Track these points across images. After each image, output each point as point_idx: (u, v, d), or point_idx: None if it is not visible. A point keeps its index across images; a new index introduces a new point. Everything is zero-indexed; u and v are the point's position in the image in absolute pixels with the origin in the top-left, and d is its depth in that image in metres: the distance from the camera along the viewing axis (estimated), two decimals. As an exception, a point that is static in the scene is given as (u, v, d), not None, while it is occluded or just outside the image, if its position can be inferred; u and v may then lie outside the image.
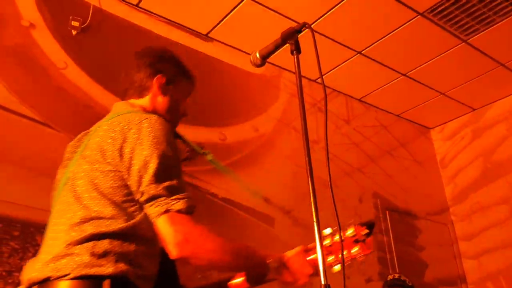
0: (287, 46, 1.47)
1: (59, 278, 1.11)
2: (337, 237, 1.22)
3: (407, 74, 4.00)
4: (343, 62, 3.74)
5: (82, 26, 2.86)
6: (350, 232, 1.23)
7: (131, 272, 1.15)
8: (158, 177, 1.19)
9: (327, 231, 1.23)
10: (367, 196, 4.02)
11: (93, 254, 1.13)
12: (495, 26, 3.48)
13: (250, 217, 3.21)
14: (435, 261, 4.25)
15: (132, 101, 1.47)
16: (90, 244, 1.15)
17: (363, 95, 4.27)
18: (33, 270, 1.16)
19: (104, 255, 1.14)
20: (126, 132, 1.24)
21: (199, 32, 3.42)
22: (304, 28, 1.43)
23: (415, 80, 4.08)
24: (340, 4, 3.17)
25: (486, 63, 3.92)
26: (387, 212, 4.09)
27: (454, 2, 3.22)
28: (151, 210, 1.19)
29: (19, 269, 2.26)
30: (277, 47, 1.51)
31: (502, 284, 4.11)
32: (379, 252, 3.87)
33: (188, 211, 1.20)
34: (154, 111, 1.43)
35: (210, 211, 3.03)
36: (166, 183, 1.20)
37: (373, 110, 4.45)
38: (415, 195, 4.42)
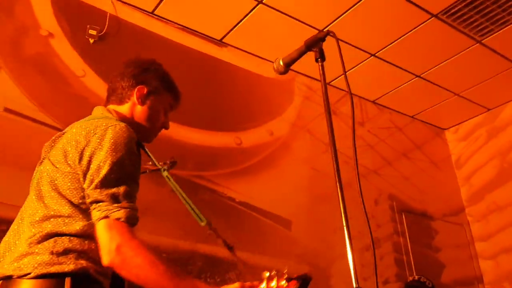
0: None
1: (20, 277, 1.16)
2: (273, 283, 1.18)
3: (421, 76, 3.99)
4: (357, 65, 3.74)
5: (99, 34, 2.90)
6: (282, 283, 1.18)
7: (92, 268, 1.19)
8: (106, 183, 1.22)
9: (266, 274, 1.20)
10: (383, 198, 4.02)
11: (52, 253, 1.18)
12: (509, 26, 3.46)
13: (268, 221, 3.22)
14: (451, 262, 4.23)
15: (112, 107, 1.50)
16: (51, 242, 1.19)
17: (377, 97, 4.27)
18: None
19: (64, 253, 1.18)
20: (91, 136, 1.27)
21: (213, 38, 3.44)
22: (328, 36, 1.45)
23: (429, 81, 4.07)
24: (354, 7, 3.18)
25: (500, 63, 3.89)
26: (403, 213, 4.08)
27: (468, 3, 3.21)
28: (93, 213, 1.22)
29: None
30: (300, 54, 1.53)
31: (519, 284, 4.08)
32: (396, 253, 3.87)
33: (128, 222, 1.20)
34: (132, 119, 1.48)
35: (228, 215, 3.05)
36: (112, 190, 1.22)
37: (387, 112, 4.44)
38: (430, 196, 4.40)
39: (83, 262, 1.18)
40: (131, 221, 1.20)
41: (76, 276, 1.16)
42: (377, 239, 3.79)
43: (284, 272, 1.17)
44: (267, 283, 1.18)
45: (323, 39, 1.47)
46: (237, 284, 1.22)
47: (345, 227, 1.24)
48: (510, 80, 4.11)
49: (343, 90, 4.00)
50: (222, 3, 3.14)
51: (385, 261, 3.78)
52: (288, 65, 1.57)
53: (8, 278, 1.18)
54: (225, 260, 2.87)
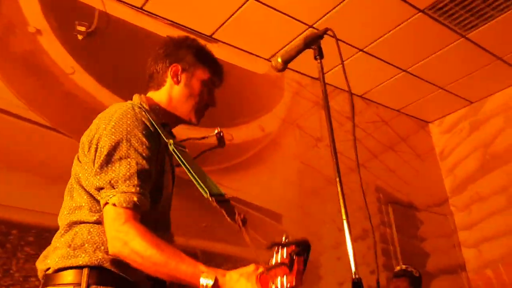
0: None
1: (45, 271, 1.20)
2: (279, 256, 1.04)
3: (407, 70, 4.06)
4: (345, 60, 3.78)
5: (88, 30, 2.87)
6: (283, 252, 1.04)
7: (109, 260, 1.16)
8: (104, 168, 1.18)
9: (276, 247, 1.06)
10: (370, 190, 4.10)
11: (70, 246, 1.17)
12: (493, 21, 3.54)
13: (259, 215, 3.26)
14: (436, 251, 4.35)
15: (151, 93, 1.43)
16: (71, 235, 1.19)
17: (365, 91, 4.33)
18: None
19: (81, 246, 1.17)
20: (100, 123, 1.25)
21: (203, 34, 3.43)
22: (326, 33, 1.48)
23: (415, 76, 4.15)
24: (342, 3, 3.21)
25: (484, 57, 3.99)
26: (389, 205, 4.17)
27: (453, -1, 3.28)
28: (100, 201, 1.19)
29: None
30: (299, 52, 1.54)
31: (501, 270, 4.21)
32: (383, 244, 3.95)
33: (124, 206, 1.13)
34: (167, 103, 1.41)
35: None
36: (109, 175, 1.17)
37: (374, 106, 4.51)
38: (416, 187, 4.50)
39: (99, 255, 1.15)
40: (126, 204, 1.13)
41: (92, 268, 1.14)
42: (365, 230, 3.87)
43: (283, 240, 1.06)
44: (275, 257, 1.05)
45: (321, 37, 1.48)
46: (252, 266, 1.11)
47: (344, 220, 1.25)
48: (492, 73, 4.22)
49: (332, 85, 4.04)
50: (212, -1, 3.13)
51: (373, 251, 3.86)
52: (286, 63, 1.58)
53: (42, 273, 1.22)
54: (219, 254, 2.90)
